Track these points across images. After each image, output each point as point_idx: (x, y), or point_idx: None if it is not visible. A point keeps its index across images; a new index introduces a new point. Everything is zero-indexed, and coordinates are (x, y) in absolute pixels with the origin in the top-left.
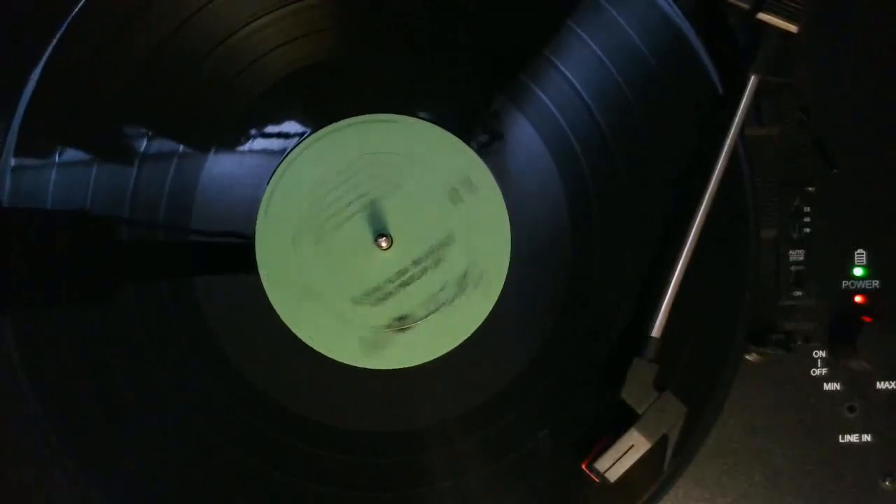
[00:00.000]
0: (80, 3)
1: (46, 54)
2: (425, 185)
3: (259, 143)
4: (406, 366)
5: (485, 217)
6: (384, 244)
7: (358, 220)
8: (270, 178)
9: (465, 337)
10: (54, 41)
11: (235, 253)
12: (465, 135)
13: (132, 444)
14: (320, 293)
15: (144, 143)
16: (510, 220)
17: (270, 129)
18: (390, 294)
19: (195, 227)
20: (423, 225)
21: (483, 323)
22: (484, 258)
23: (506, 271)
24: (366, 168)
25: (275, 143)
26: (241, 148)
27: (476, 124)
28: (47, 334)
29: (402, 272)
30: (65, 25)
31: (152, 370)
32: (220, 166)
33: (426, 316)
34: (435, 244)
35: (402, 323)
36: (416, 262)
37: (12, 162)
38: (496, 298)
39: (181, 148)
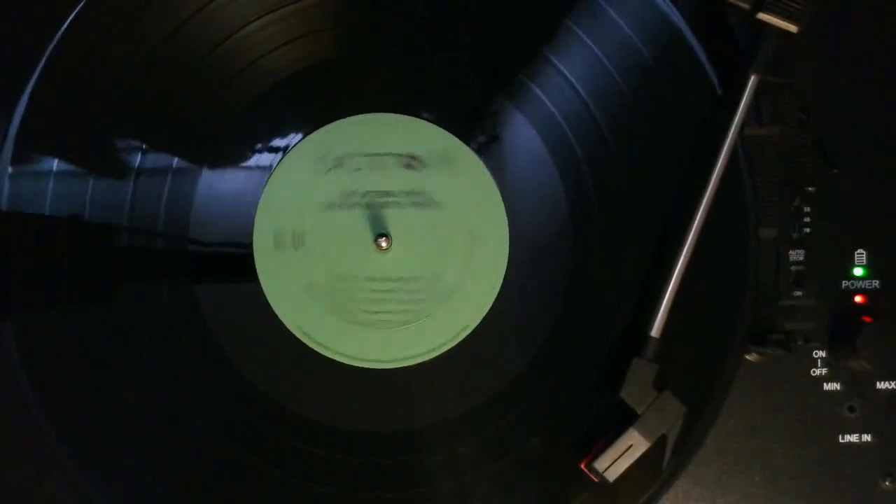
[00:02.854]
0: (77, 9)
1: (41, 64)
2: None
3: (258, 144)
4: (406, 365)
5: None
6: (384, 244)
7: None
8: (269, 178)
9: (465, 336)
10: (49, 49)
11: (235, 255)
12: (464, 134)
13: (132, 444)
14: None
15: (142, 145)
16: (509, 220)
17: (270, 128)
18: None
19: (193, 229)
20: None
21: (482, 322)
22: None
23: (505, 270)
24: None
25: (274, 144)
26: (240, 148)
27: (475, 124)
28: (47, 335)
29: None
30: (61, 32)
31: (152, 370)
32: (220, 167)
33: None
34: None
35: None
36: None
37: (9, 170)
38: (495, 297)
39: (180, 148)
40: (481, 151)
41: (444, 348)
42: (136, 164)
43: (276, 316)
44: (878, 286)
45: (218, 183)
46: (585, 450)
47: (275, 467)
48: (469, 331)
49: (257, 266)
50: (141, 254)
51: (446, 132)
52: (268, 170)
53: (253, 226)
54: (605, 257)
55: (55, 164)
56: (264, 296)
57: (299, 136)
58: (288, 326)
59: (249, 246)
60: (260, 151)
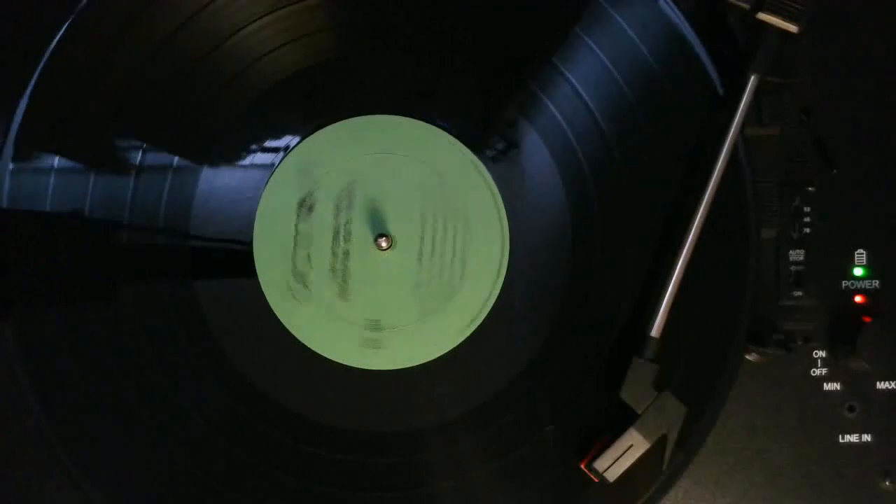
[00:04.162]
0: (78, 8)
1: (42, 62)
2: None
3: (259, 144)
4: (406, 366)
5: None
6: (384, 244)
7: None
8: (269, 178)
9: (465, 337)
10: (50, 48)
11: (235, 255)
12: (464, 136)
13: (132, 444)
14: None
15: (143, 145)
16: (510, 219)
17: (270, 128)
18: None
19: (194, 230)
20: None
21: (483, 323)
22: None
23: (506, 271)
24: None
25: (274, 144)
26: (240, 149)
27: (476, 124)
28: (47, 335)
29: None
30: (62, 31)
31: (152, 370)
32: (220, 168)
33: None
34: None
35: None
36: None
37: (10, 166)
38: (496, 298)
39: (180, 148)
40: (483, 153)
41: (445, 348)
42: (137, 162)
43: (276, 317)
44: (878, 286)
45: (217, 185)
46: (585, 450)
47: (275, 467)
48: (470, 331)
49: (257, 266)
50: (141, 251)
51: (447, 134)
52: (267, 170)
53: (253, 227)
54: (605, 257)
55: (56, 160)
56: (264, 297)
57: (299, 136)
58: (288, 326)
59: (250, 245)
60: (259, 152)
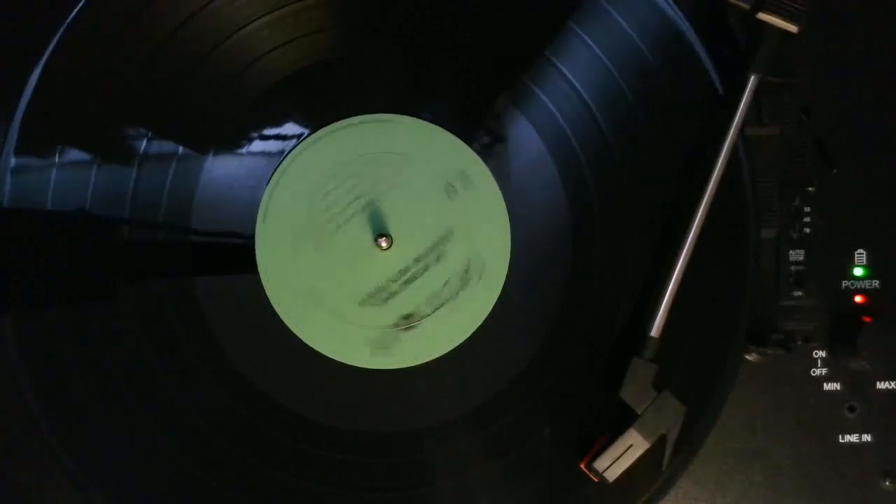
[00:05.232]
0: (80, 4)
1: (46, 55)
2: (424, 185)
3: (258, 144)
4: (408, 365)
5: (484, 216)
6: (384, 244)
7: (358, 220)
8: (270, 178)
9: (465, 337)
10: (54, 42)
11: (236, 254)
12: (464, 134)
13: (132, 444)
14: (320, 293)
15: (144, 143)
16: (510, 220)
17: (270, 129)
18: (392, 293)
19: (195, 227)
20: (423, 224)
21: (483, 323)
22: (484, 257)
23: (506, 271)
24: (365, 168)
25: (274, 144)
26: (240, 148)
27: (476, 124)
28: (47, 334)
29: (402, 271)
30: (65, 25)
31: (152, 370)
32: (220, 167)
33: (429, 314)
34: (435, 243)
35: (405, 322)
36: (416, 261)
37: (12, 162)
38: (496, 298)
39: (181, 149)
40: (482, 152)
41: (446, 348)
42: (138, 158)
43: (276, 316)
44: (878, 286)
45: (218, 184)
46: (585, 450)
47: (275, 467)
48: (470, 331)
49: (259, 264)
50: (142, 249)
51: (447, 132)
52: (267, 170)
53: (254, 226)
54: (605, 257)
55: (58, 154)
56: (265, 296)
57: (298, 136)
58: (289, 326)
59: (250, 246)
60: (259, 152)
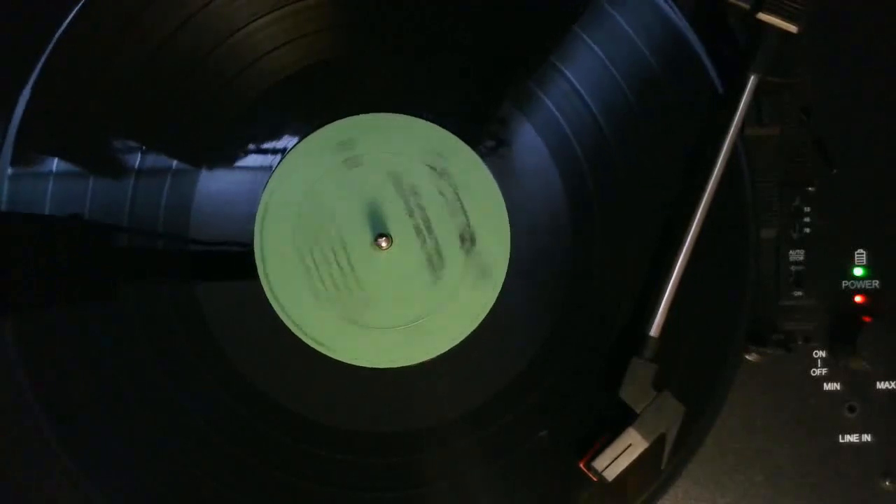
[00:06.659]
0: (76, 8)
1: (40, 63)
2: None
3: (258, 144)
4: (406, 365)
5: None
6: (384, 244)
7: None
8: (269, 179)
9: (465, 337)
10: (48, 49)
11: (236, 254)
12: (464, 135)
13: (132, 444)
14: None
15: (141, 147)
16: (510, 220)
17: (270, 129)
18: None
19: (193, 230)
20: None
21: (482, 323)
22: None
23: (506, 271)
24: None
25: (274, 144)
26: (240, 149)
27: (476, 124)
28: (47, 335)
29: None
30: (60, 31)
31: (152, 370)
32: (219, 168)
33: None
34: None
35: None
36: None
37: (9, 171)
38: (496, 298)
39: (178, 149)
40: (483, 152)
41: (445, 348)
42: (136, 165)
43: (276, 316)
44: (878, 286)
45: (217, 185)
46: (584, 449)
47: (275, 467)
48: (469, 331)
49: (258, 266)
50: (141, 253)
51: (448, 133)
52: (267, 171)
53: (254, 227)
54: (605, 257)
55: (55, 164)
56: (264, 296)
57: (299, 136)
58: (288, 326)
59: (250, 244)
60: (259, 152)
